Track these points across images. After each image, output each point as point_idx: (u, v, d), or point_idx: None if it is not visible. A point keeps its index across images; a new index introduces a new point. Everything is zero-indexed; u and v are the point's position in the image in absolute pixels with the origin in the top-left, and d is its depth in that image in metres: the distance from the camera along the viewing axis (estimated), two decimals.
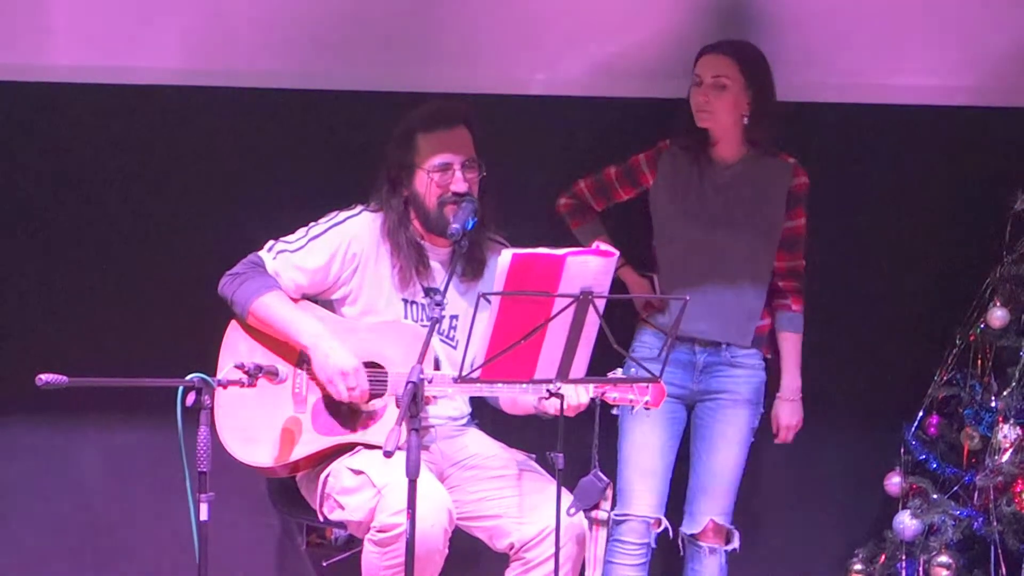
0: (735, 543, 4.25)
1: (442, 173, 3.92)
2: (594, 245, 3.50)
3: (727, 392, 4.22)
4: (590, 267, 3.46)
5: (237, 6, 4.45)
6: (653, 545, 4.19)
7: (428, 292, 3.95)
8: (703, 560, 4.23)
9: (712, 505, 4.23)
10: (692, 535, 4.24)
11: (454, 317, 3.99)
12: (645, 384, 3.63)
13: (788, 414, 4.33)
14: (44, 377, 3.26)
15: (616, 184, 4.36)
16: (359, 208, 4.02)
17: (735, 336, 4.22)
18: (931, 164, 4.78)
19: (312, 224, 3.99)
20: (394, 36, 4.51)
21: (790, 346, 4.32)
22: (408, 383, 3.40)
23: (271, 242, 3.98)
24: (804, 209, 4.30)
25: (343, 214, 4.01)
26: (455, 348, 3.98)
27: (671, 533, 4.17)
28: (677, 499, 4.30)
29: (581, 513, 3.62)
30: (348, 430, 3.87)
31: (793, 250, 4.30)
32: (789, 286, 4.31)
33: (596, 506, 3.63)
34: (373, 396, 3.87)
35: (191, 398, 3.39)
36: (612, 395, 3.64)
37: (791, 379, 4.33)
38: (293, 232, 3.98)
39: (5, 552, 4.58)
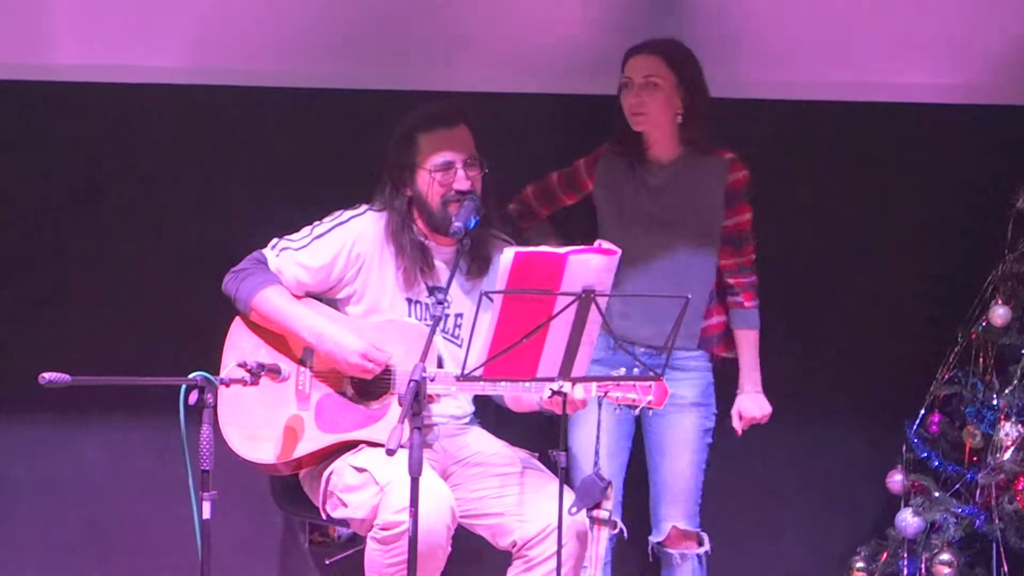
0: (706, 546, 4.20)
1: (444, 172, 3.93)
2: (596, 243, 3.51)
3: (672, 397, 4.14)
4: (592, 265, 3.46)
5: (241, 5, 4.45)
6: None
7: (432, 291, 3.96)
8: (675, 568, 4.19)
9: (673, 511, 4.18)
10: (660, 543, 4.20)
11: (459, 315, 3.99)
12: (647, 384, 3.63)
13: (751, 407, 4.25)
14: (47, 375, 3.26)
15: (559, 190, 4.33)
16: (363, 207, 4.02)
17: (678, 339, 4.07)
18: (933, 162, 4.78)
19: (316, 223, 4.00)
20: (399, 35, 4.51)
21: (745, 343, 4.24)
22: (411, 381, 3.40)
23: (275, 240, 3.99)
24: (746, 204, 4.21)
25: (347, 213, 4.01)
26: (460, 346, 3.97)
27: (626, 534, 4.11)
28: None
29: (583, 512, 3.63)
30: (351, 428, 3.87)
31: (739, 247, 4.22)
32: (740, 283, 4.24)
33: (598, 505, 3.63)
34: (378, 394, 3.88)
35: (194, 396, 3.39)
36: (615, 394, 3.64)
37: (749, 373, 4.26)
38: (298, 231, 3.99)
39: (8, 549, 4.59)
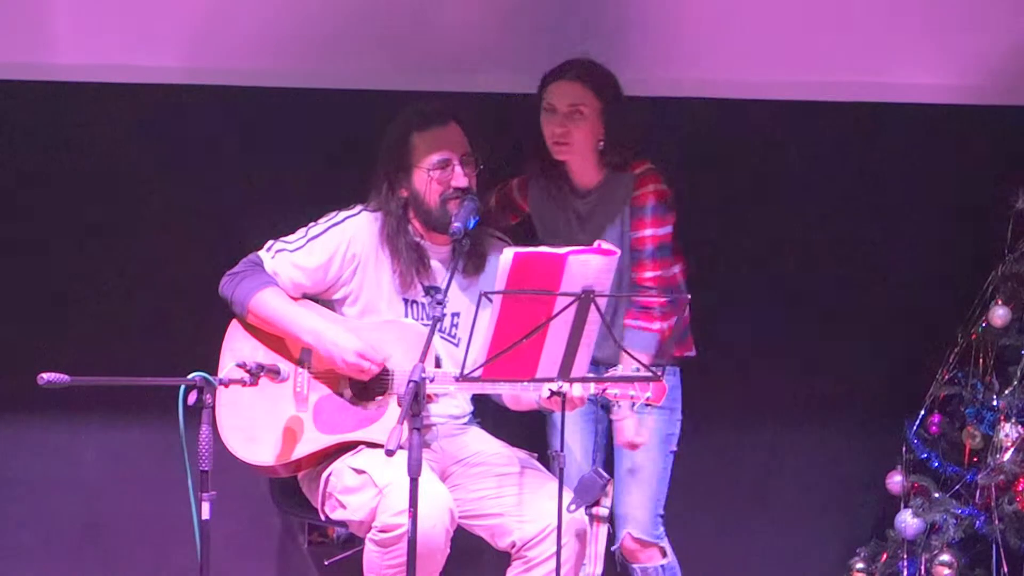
0: (669, 558, 4.12)
1: (442, 170, 3.93)
2: (595, 244, 3.50)
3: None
4: (591, 266, 3.46)
5: (239, 5, 4.45)
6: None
7: (428, 291, 3.96)
8: None
9: (628, 519, 4.11)
10: (620, 552, 4.14)
11: (455, 314, 3.99)
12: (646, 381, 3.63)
13: (629, 431, 4.03)
14: (46, 376, 3.26)
15: (498, 211, 4.26)
16: (358, 208, 4.02)
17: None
18: (933, 162, 4.78)
19: (312, 224, 3.99)
20: (394, 34, 4.51)
21: (627, 365, 3.79)
22: (410, 382, 3.40)
23: (270, 242, 3.98)
24: (647, 220, 4.01)
25: (342, 214, 4.01)
26: (456, 345, 3.98)
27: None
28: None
29: (581, 510, 3.62)
30: (350, 428, 3.87)
31: (639, 263, 4.02)
32: (641, 303, 3.99)
33: (597, 502, 3.62)
34: (376, 394, 3.88)
35: (193, 397, 3.39)
36: (613, 391, 3.64)
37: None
38: (293, 232, 3.99)
39: (7, 550, 4.58)
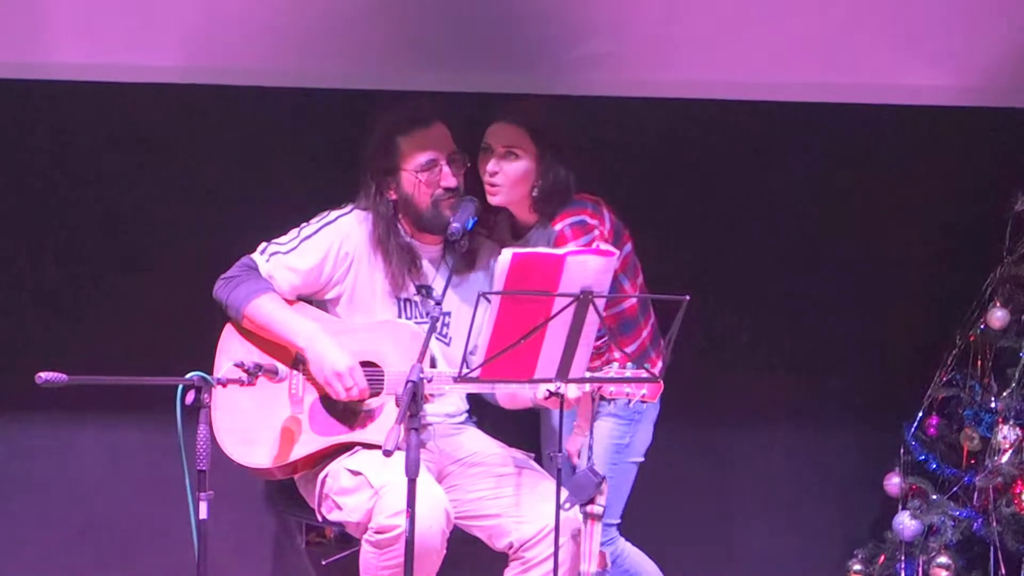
0: (608, 567, 3.99)
1: (429, 171, 3.92)
2: (594, 245, 3.50)
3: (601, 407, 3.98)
4: (590, 267, 3.46)
5: (238, 4, 4.44)
6: None
7: (421, 290, 3.95)
8: None
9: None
10: None
11: (446, 314, 3.98)
12: None
13: (574, 444, 3.94)
14: (43, 375, 3.26)
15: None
16: (350, 207, 4.02)
17: None
18: (932, 164, 4.78)
19: (304, 224, 3.99)
20: (394, 35, 4.51)
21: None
22: (408, 382, 3.39)
23: (264, 244, 3.98)
24: None
25: (334, 213, 4.00)
26: (448, 345, 3.98)
27: (609, 566, 4.03)
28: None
29: (576, 508, 3.62)
30: (346, 429, 3.87)
31: None
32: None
33: (591, 500, 3.62)
34: (371, 395, 3.87)
35: (190, 396, 3.39)
36: (609, 388, 3.63)
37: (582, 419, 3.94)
38: (286, 233, 3.98)
39: (4, 549, 4.58)
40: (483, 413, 4.15)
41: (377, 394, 3.87)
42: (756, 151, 4.75)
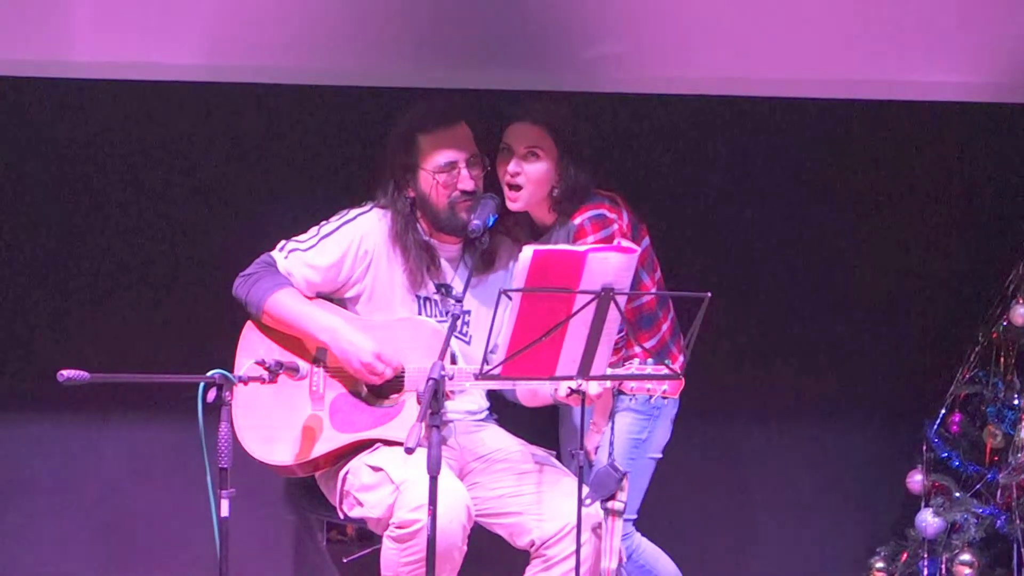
0: (623, 559, 3.94)
1: (447, 173, 3.91)
2: (615, 241, 3.49)
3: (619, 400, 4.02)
4: (611, 264, 3.45)
5: (258, 2, 4.44)
6: None
7: (440, 288, 3.95)
8: None
9: None
10: None
11: (466, 312, 3.98)
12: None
13: (591, 442, 3.99)
14: (65, 373, 3.27)
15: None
16: (369, 205, 4.02)
17: None
18: (953, 161, 4.77)
19: (323, 222, 3.99)
20: (413, 33, 4.50)
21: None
22: (430, 379, 3.39)
23: (283, 242, 3.98)
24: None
25: (353, 211, 4.00)
26: (468, 343, 3.98)
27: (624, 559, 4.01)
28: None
29: (597, 504, 3.62)
30: (367, 426, 3.87)
31: None
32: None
33: (612, 496, 3.62)
34: (391, 392, 3.87)
35: (212, 394, 3.39)
36: (630, 384, 3.63)
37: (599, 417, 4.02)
38: (305, 231, 3.98)
39: (27, 546, 4.59)
40: (503, 411, 4.15)
41: (398, 391, 3.87)
42: (774, 148, 4.74)
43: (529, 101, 4.07)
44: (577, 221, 3.94)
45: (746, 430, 4.75)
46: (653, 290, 4.03)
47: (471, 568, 3.76)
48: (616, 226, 3.93)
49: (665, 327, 4.08)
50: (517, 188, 3.97)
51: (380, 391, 3.90)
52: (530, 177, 3.96)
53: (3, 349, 4.56)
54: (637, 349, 3.84)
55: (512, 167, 3.96)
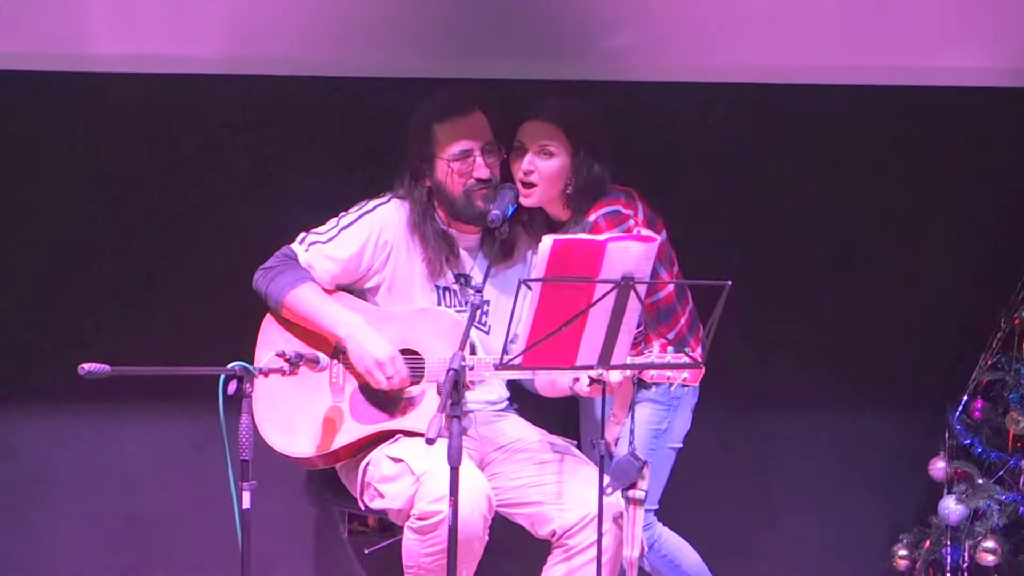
0: (646, 551, 3.97)
1: (463, 161, 3.91)
2: (635, 231, 3.48)
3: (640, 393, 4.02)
4: (631, 252, 3.44)
5: None
6: None
7: (459, 279, 3.95)
8: None
9: None
10: None
11: (485, 302, 3.98)
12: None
13: (611, 433, 4.05)
14: (87, 366, 3.27)
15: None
16: (388, 196, 4.02)
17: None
18: (976, 146, 4.75)
19: (343, 214, 3.99)
20: (430, 24, 4.49)
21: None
22: (450, 370, 3.39)
23: (303, 234, 3.98)
24: None
25: (372, 202, 4.01)
26: (488, 333, 3.98)
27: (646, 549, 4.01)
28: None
29: (618, 492, 3.61)
30: (387, 418, 3.87)
31: None
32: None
33: (633, 485, 3.61)
34: (411, 383, 3.87)
35: (232, 386, 3.39)
36: (650, 372, 3.62)
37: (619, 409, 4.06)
38: (325, 223, 3.98)
39: (49, 540, 4.61)
40: (523, 401, 4.15)
41: (417, 382, 3.87)
42: (795, 135, 4.73)
43: (542, 98, 4.05)
44: (592, 218, 3.93)
45: (767, 418, 4.75)
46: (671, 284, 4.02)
47: (492, 558, 3.76)
48: (632, 222, 3.93)
49: (683, 320, 4.07)
50: (531, 185, 3.97)
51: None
52: (543, 175, 3.96)
53: (25, 344, 4.58)
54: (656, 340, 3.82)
55: (525, 165, 3.96)
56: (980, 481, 4.55)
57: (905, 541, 4.66)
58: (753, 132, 4.70)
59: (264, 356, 3.74)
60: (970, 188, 4.76)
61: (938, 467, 4.62)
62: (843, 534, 4.76)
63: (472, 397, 3.94)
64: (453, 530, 3.39)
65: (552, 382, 3.90)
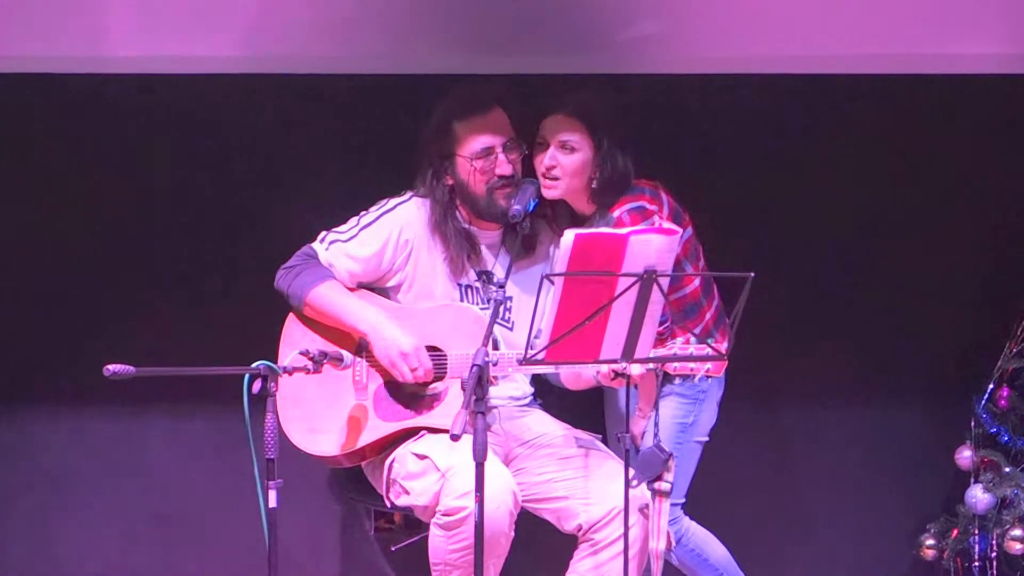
0: (673, 546, 3.95)
1: (484, 159, 3.91)
2: (657, 224, 3.48)
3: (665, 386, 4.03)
4: (653, 245, 3.44)
5: None
6: None
7: (481, 276, 3.95)
8: None
9: None
10: None
11: (508, 298, 3.97)
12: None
13: (638, 427, 4.05)
14: (112, 367, 3.28)
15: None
16: (408, 194, 4.02)
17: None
18: (1000, 133, 4.72)
19: (363, 213, 4.00)
20: (448, 19, 4.49)
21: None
22: (473, 366, 3.39)
23: (324, 233, 3.99)
24: None
25: (393, 201, 4.01)
26: (511, 330, 3.98)
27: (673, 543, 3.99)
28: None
29: (643, 485, 3.61)
30: (411, 415, 3.88)
31: None
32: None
33: (658, 477, 3.61)
34: (435, 379, 3.87)
35: (257, 385, 3.40)
36: (673, 364, 3.61)
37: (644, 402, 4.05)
38: (346, 222, 3.98)
39: (76, 539, 4.63)
40: (547, 396, 4.15)
41: (441, 378, 3.87)
42: (817, 126, 4.71)
43: (565, 93, 4.04)
44: (616, 213, 3.92)
45: (793, 410, 4.74)
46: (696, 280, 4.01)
47: (519, 554, 3.76)
48: (656, 218, 3.91)
49: (709, 315, 4.06)
50: (554, 179, 3.96)
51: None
52: (566, 170, 3.95)
53: (50, 345, 4.60)
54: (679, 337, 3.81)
55: (548, 160, 3.95)
56: (1007, 469, 4.53)
57: (932, 531, 4.64)
58: (781, 123, 4.68)
59: (288, 355, 3.74)
60: (993, 176, 4.73)
61: (964, 456, 4.60)
62: (870, 524, 4.75)
63: (496, 393, 3.94)
64: (479, 526, 3.39)
65: (577, 374, 3.89)
